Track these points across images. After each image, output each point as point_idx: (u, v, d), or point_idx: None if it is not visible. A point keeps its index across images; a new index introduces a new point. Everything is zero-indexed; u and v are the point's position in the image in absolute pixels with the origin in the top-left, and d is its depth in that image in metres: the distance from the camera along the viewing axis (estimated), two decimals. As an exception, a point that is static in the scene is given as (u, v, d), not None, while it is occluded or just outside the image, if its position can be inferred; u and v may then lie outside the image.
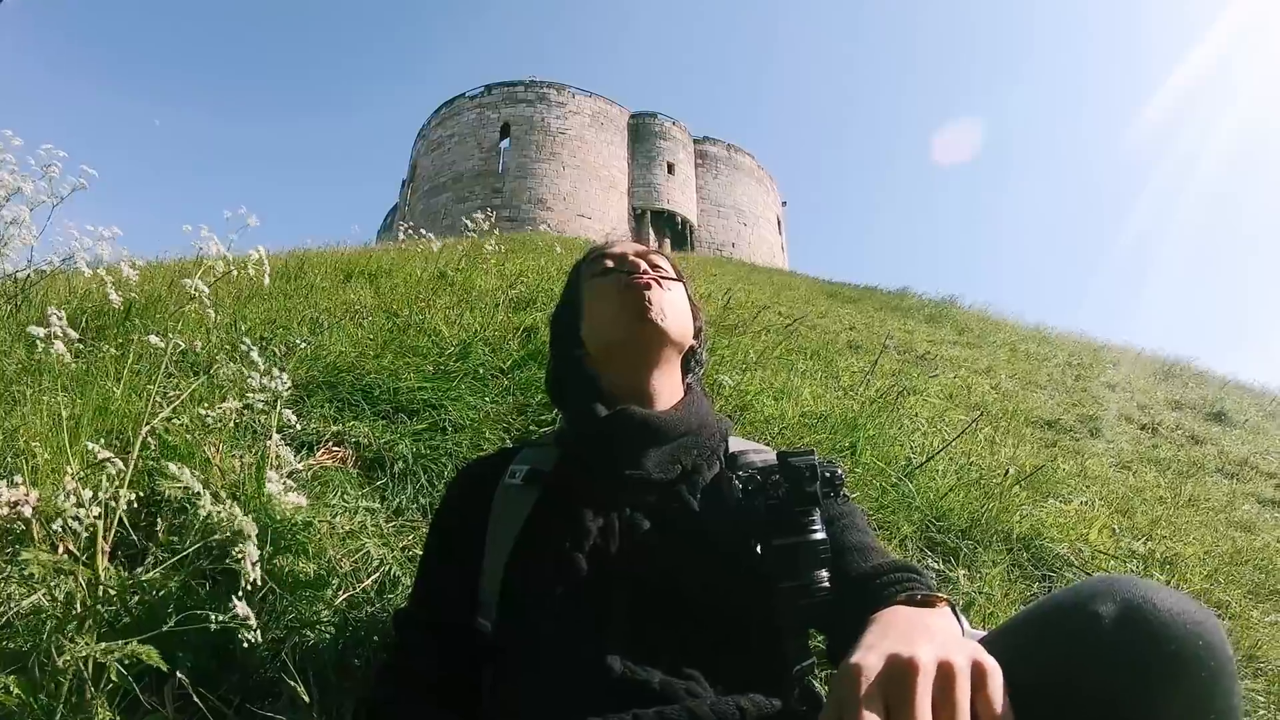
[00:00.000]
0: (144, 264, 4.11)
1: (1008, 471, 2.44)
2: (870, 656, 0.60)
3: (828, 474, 0.92)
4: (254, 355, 1.37)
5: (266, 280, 1.69)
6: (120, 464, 0.91)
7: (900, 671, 0.57)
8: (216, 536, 1.14)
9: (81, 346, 2.35)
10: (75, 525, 0.86)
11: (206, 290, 1.33)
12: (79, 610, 0.87)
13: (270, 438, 1.44)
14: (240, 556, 1.01)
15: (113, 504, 0.93)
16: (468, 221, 6.51)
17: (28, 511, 0.83)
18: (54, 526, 0.88)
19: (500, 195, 26.04)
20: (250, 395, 1.36)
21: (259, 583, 1.01)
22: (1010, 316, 10.78)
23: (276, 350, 2.67)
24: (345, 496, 1.64)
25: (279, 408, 1.43)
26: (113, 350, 2.11)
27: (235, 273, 1.65)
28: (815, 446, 2.27)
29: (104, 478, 0.97)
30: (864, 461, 2.36)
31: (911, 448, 2.72)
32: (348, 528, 1.53)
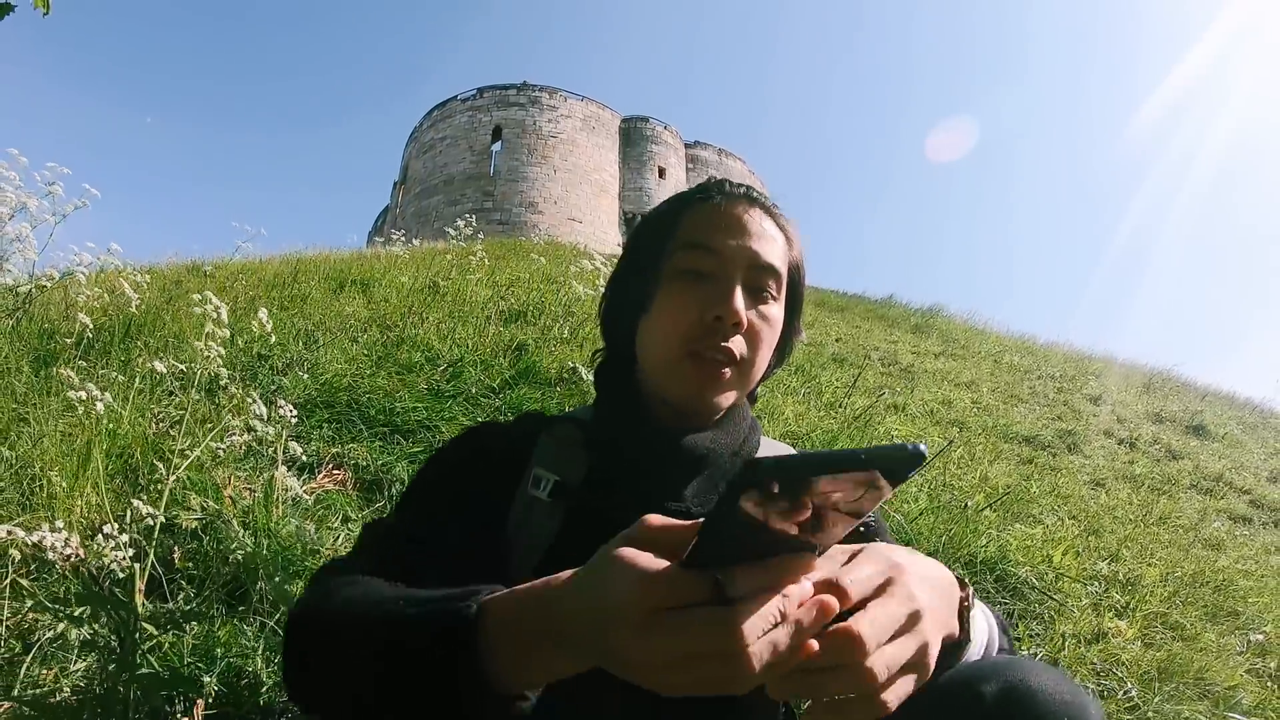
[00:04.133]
0: (142, 268, 4.17)
1: (974, 500, 2.53)
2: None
3: None
4: (259, 408, 1.45)
5: (272, 339, 1.78)
6: (160, 516, 1.00)
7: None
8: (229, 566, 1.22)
9: (84, 364, 2.42)
10: (116, 569, 0.94)
11: (222, 351, 1.40)
12: (124, 638, 0.95)
13: (277, 467, 1.53)
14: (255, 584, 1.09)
15: (143, 542, 1.02)
16: (450, 230, 6.61)
17: (74, 557, 0.92)
18: (92, 563, 0.96)
19: (491, 198, 26.06)
20: (258, 428, 1.44)
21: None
22: (996, 326, 10.95)
23: (276, 365, 2.75)
24: (348, 523, 1.73)
25: (284, 440, 1.51)
26: (119, 376, 2.18)
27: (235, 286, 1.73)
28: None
29: (131, 519, 1.05)
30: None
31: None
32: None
